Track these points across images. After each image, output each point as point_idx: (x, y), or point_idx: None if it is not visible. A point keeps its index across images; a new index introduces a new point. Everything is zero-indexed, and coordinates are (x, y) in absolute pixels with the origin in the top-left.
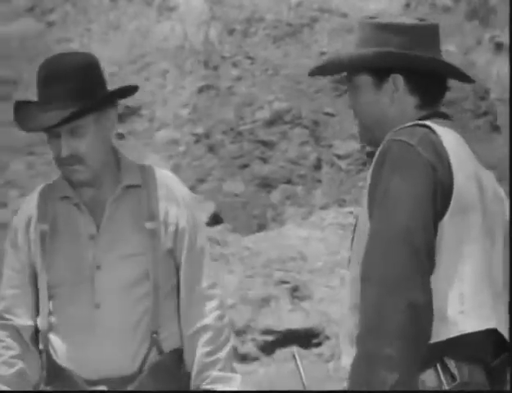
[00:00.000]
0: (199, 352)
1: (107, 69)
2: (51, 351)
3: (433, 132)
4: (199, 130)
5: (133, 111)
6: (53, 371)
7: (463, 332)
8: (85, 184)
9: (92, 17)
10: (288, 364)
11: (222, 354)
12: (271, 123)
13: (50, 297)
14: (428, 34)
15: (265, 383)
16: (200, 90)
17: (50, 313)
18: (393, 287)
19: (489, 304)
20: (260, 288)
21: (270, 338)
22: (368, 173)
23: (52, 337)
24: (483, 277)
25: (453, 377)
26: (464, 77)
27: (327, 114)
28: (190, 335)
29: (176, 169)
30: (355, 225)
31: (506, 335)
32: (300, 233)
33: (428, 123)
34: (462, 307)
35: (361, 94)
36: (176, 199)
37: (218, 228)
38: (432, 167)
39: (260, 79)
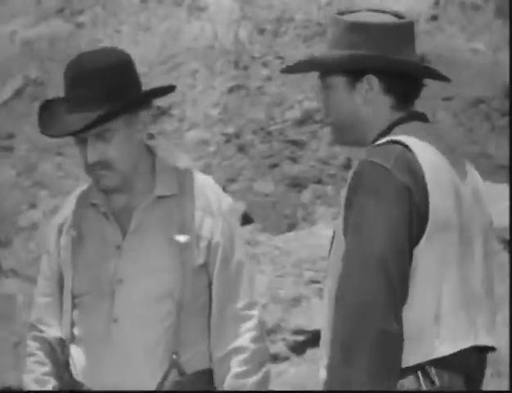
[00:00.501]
0: (230, 374)
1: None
2: (71, 363)
3: (408, 149)
4: (230, 130)
5: (163, 111)
6: (71, 383)
7: (439, 356)
8: (114, 191)
9: (122, 18)
10: (319, 364)
11: (253, 379)
12: (301, 122)
13: (73, 307)
14: (403, 33)
15: (295, 383)
16: (230, 90)
17: (72, 324)
18: (364, 316)
19: (466, 322)
20: (291, 288)
21: (301, 338)
22: (344, 189)
23: (72, 349)
24: (460, 295)
25: (433, 383)
26: (440, 77)
27: None
28: (221, 357)
29: (206, 170)
30: (333, 237)
31: (491, 341)
32: (330, 233)
33: (403, 139)
34: (439, 330)
35: (333, 94)
36: (211, 210)
37: (249, 227)
38: (407, 190)
39: (290, 78)
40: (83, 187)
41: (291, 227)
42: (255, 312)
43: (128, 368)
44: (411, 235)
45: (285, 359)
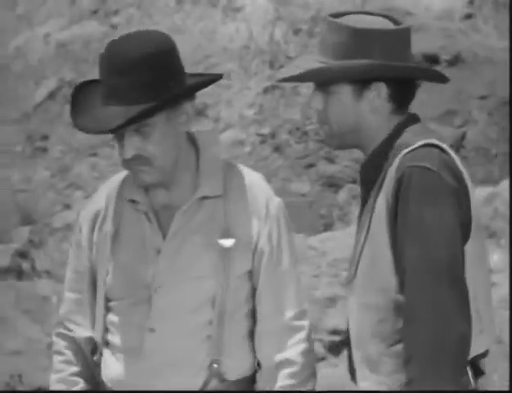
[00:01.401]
0: (275, 386)
1: None
2: (103, 369)
3: (445, 152)
4: (265, 130)
5: (199, 112)
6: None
7: (483, 350)
8: (154, 186)
9: (157, 19)
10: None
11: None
12: None
13: (106, 310)
14: (404, 38)
15: (332, 383)
16: (266, 90)
17: (105, 328)
18: (446, 323)
19: (492, 314)
20: (327, 288)
21: (337, 338)
22: (381, 196)
23: (105, 354)
24: (487, 290)
25: (481, 374)
26: (442, 78)
27: None
28: (268, 368)
29: None
30: (362, 245)
31: None
32: None
33: (435, 142)
34: (481, 325)
35: (337, 101)
36: (259, 212)
37: None
38: (456, 193)
39: None
40: (117, 177)
41: (327, 227)
42: (305, 322)
43: (164, 379)
44: (462, 236)
45: (322, 359)
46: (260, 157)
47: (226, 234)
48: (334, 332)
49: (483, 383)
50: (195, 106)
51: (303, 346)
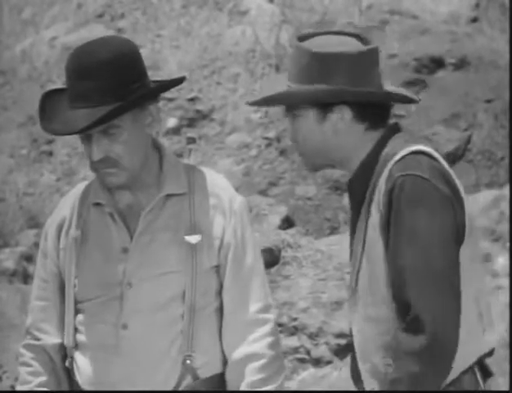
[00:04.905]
0: (245, 382)
1: (178, 74)
2: (74, 371)
3: (434, 159)
4: (271, 134)
5: (204, 116)
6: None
7: (488, 350)
8: (121, 188)
9: (163, 23)
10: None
11: (271, 387)
12: None
13: (76, 312)
14: (368, 60)
15: (338, 386)
16: None
17: (76, 330)
18: (442, 333)
19: (492, 313)
20: (333, 291)
21: (343, 341)
22: (373, 208)
23: (76, 357)
24: (486, 291)
25: (489, 375)
26: (409, 100)
27: (398, 116)
28: (235, 362)
29: (247, 173)
30: (359, 260)
31: None
32: None
33: (426, 149)
34: (483, 325)
35: (302, 124)
36: (223, 208)
37: (291, 231)
38: (449, 200)
39: None
40: (81, 185)
41: (333, 230)
42: (271, 315)
43: (140, 375)
44: (457, 242)
45: (328, 362)
46: (266, 161)
47: (193, 230)
48: (341, 336)
49: (490, 385)
50: (159, 109)
51: (270, 339)
